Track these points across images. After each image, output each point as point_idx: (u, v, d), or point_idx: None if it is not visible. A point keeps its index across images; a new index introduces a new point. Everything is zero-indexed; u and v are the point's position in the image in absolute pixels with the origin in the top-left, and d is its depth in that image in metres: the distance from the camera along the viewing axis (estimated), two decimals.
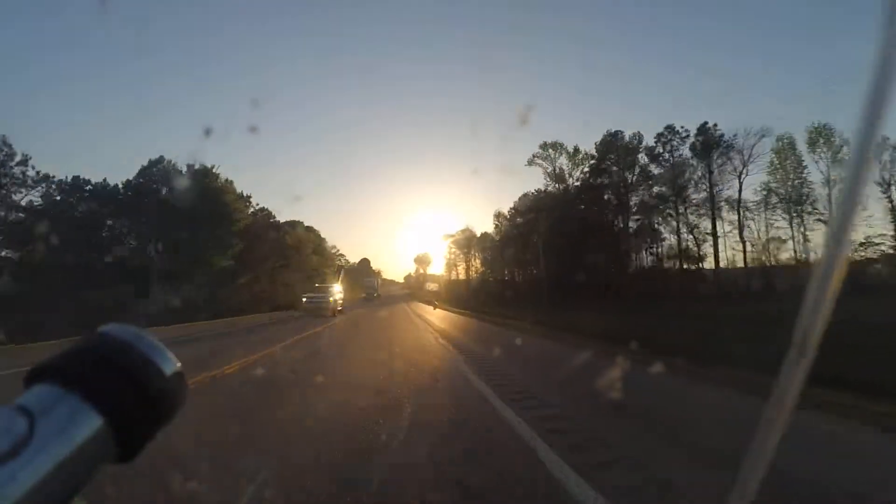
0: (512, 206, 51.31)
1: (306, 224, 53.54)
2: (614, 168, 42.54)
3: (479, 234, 62.62)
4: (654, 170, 41.30)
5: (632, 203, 41.97)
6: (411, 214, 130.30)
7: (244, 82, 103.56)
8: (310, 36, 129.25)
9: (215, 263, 33.56)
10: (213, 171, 36.00)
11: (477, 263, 66.77)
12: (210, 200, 33.39)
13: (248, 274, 36.01)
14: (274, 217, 45.21)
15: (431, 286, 67.70)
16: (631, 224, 42.26)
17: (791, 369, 0.34)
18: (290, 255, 43.09)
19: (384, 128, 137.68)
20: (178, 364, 0.39)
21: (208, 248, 33.32)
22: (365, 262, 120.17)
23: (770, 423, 0.34)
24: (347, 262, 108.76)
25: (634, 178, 41.83)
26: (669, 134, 40.30)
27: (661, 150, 40.80)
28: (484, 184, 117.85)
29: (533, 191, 47.36)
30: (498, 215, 54.68)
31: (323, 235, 69.68)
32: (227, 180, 37.14)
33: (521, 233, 47.10)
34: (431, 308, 33.17)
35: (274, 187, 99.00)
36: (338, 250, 78.79)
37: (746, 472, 0.35)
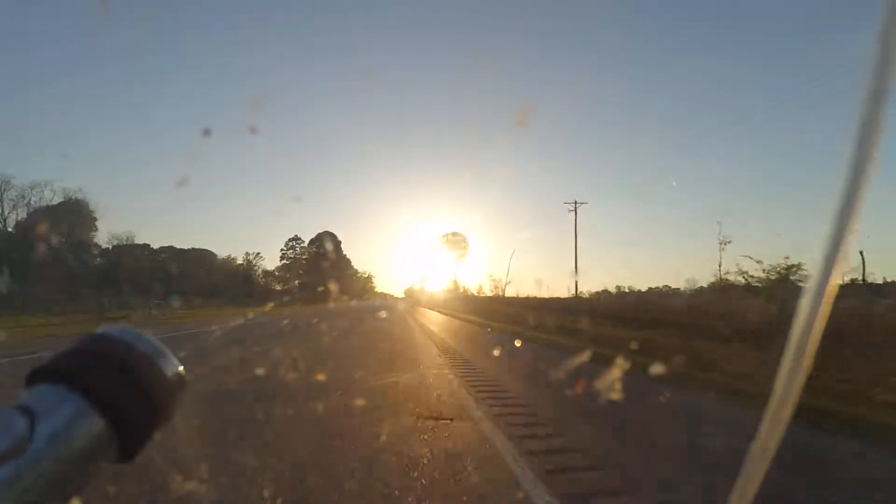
0: None
1: None
2: None
3: None
4: None
5: None
6: (413, 225, 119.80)
7: (238, 83, 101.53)
8: (300, 34, 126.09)
9: None
10: None
11: None
12: None
13: None
14: None
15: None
16: None
17: (788, 375, 0.34)
18: None
19: (381, 132, 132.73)
20: (179, 365, 0.39)
21: None
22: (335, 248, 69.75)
23: (769, 428, 0.35)
24: (303, 247, 67.64)
25: None
26: None
27: None
28: (485, 189, 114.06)
29: None
30: None
31: None
32: None
33: None
34: None
35: (266, 190, 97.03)
36: None
37: (746, 475, 0.35)
